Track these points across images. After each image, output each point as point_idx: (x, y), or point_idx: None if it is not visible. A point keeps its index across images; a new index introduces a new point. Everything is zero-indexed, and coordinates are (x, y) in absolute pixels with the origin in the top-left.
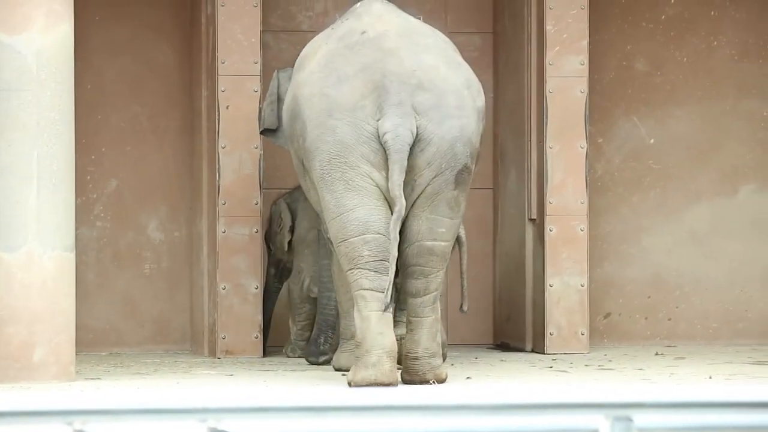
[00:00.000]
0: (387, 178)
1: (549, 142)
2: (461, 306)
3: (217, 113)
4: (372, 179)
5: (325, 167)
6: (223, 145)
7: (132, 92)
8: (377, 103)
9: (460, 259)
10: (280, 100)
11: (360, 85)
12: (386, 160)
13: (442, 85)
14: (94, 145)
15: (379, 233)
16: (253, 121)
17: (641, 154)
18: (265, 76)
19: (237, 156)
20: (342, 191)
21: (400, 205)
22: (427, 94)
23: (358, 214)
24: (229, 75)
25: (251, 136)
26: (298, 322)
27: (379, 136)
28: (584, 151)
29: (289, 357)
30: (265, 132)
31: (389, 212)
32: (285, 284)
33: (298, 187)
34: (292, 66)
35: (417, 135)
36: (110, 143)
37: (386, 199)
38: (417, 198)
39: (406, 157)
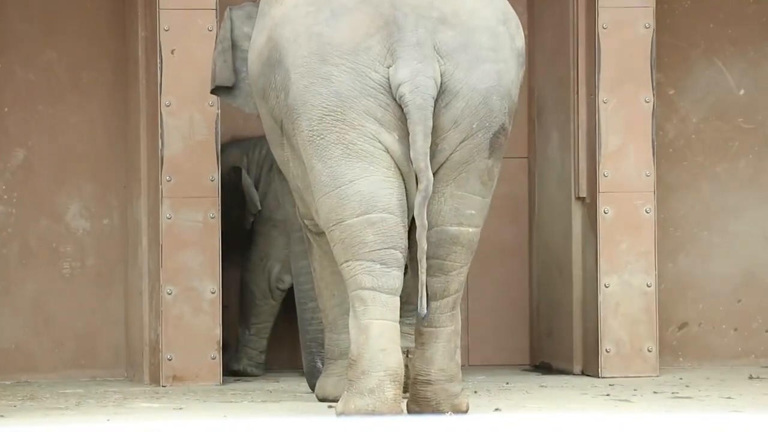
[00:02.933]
0: (399, 141)
1: (602, 95)
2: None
3: (158, 60)
4: (380, 142)
5: (316, 128)
6: (167, 103)
7: (45, 34)
8: (387, 43)
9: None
10: (234, 47)
11: (364, 19)
12: (398, 117)
13: (470, 20)
14: None
15: (388, 212)
16: (207, 71)
17: (728, 110)
18: (222, 10)
19: (186, 117)
20: (339, 158)
21: (427, 180)
22: (452, 32)
23: (360, 187)
24: (175, 9)
25: (205, 90)
26: (254, 324)
27: (390, 88)
28: (650, 106)
29: (247, 374)
30: (218, 90)
31: (402, 185)
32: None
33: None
34: (253, 0)
35: (441, 85)
36: (16, 102)
37: (399, 168)
38: (439, 168)
39: (431, 115)
